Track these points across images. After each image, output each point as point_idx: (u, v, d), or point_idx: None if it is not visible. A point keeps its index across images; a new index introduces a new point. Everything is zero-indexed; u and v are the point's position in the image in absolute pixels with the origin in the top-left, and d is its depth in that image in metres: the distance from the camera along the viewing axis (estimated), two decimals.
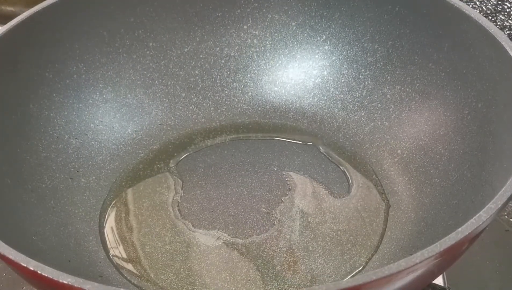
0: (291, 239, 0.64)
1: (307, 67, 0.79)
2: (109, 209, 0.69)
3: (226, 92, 0.80)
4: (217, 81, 0.80)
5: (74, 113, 0.73)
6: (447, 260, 0.49)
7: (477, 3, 0.84)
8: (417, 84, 0.71)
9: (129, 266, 0.63)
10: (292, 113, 0.78)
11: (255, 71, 0.80)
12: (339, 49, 0.77)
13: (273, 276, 0.61)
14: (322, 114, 0.78)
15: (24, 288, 0.66)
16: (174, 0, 0.76)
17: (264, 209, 0.68)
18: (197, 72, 0.79)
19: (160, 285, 0.61)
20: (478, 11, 0.84)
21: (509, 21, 0.84)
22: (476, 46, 0.63)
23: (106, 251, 0.64)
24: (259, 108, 0.79)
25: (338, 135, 0.76)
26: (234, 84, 0.80)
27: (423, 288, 0.53)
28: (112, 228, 0.67)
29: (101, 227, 0.67)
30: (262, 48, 0.80)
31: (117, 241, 0.65)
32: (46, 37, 0.70)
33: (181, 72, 0.79)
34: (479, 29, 0.61)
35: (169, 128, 0.77)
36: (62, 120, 0.71)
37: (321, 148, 0.75)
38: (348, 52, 0.77)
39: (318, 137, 0.76)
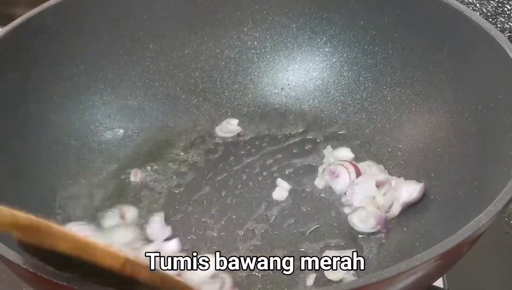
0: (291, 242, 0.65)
1: (307, 69, 0.79)
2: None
3: (226, 94, 0.80)
4: (217, 83, 0.80)
5: (74, 114, 0.73)
6: (447, 263, 0.49)
7: (477, 5, 0.84)
8: (417, 86, 0.71)
9: None
10: (292, 115, 0.78)
11: (255, 73, 0.80)
12: (340, 51, 0.77)
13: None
14: (323, 116, 0.78)
15: (23, 289, 0.66)
16: (174, 2, 0.76)
17: (263, 212, 0.68)
18: (197, 74, 0.79)
19: None
20: (478, 14, 0.84)
21: (509, 23, 0.84)
22: (476, 49, 0.63)
23: None
24: (259, 110, 0.79)
25: (338, 137, 0.76)
26: (234, 86, 0.80)
27: None
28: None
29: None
30: (263, 50, 0.80)
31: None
32: (47, 39, 0.70)
33: (181, 74, 0.79)
34: (479, 31, 0.61)
35: (169, 129, 0.77)
36: (62, 121, 0.71)
37: (320, 150, 0.74)
38: (349, 54, 0.77)
39: (318, 139, 0.76)
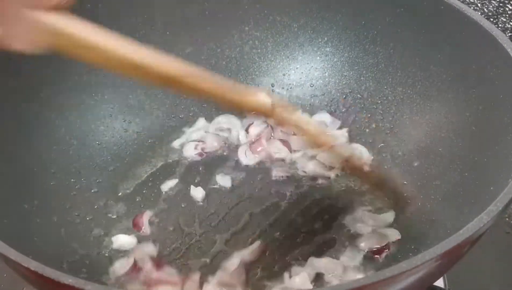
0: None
1: (308, 69, 0.79)
2: (110, 210, 0.69)
3: None
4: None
5: (75, 114, 0.73)
6: (448, 262, 0.49)
7: (479, 5, 0.84)
8: (419, 86, 0.71)
9: None
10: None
11: (256, 73, 0.80)
12: (341, 50, 0.77)
13: None
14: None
15: (24, 288, 0.66)
16: (175, 1, 0.76)
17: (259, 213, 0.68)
18: None
19: None
20: (479, 13, 0.84)
21: (511, 23, 0.84)
22: (477, 48, 0.63)
23: None
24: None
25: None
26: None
27: None
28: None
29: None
30: (264, 49, 0.80)
31: None
32: None
33: None
34: (480, 31, 0.61)
35: (170, 129, 0.77)
36: (63, 121, 0.71)
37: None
38: (350, 53, 0.77)
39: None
